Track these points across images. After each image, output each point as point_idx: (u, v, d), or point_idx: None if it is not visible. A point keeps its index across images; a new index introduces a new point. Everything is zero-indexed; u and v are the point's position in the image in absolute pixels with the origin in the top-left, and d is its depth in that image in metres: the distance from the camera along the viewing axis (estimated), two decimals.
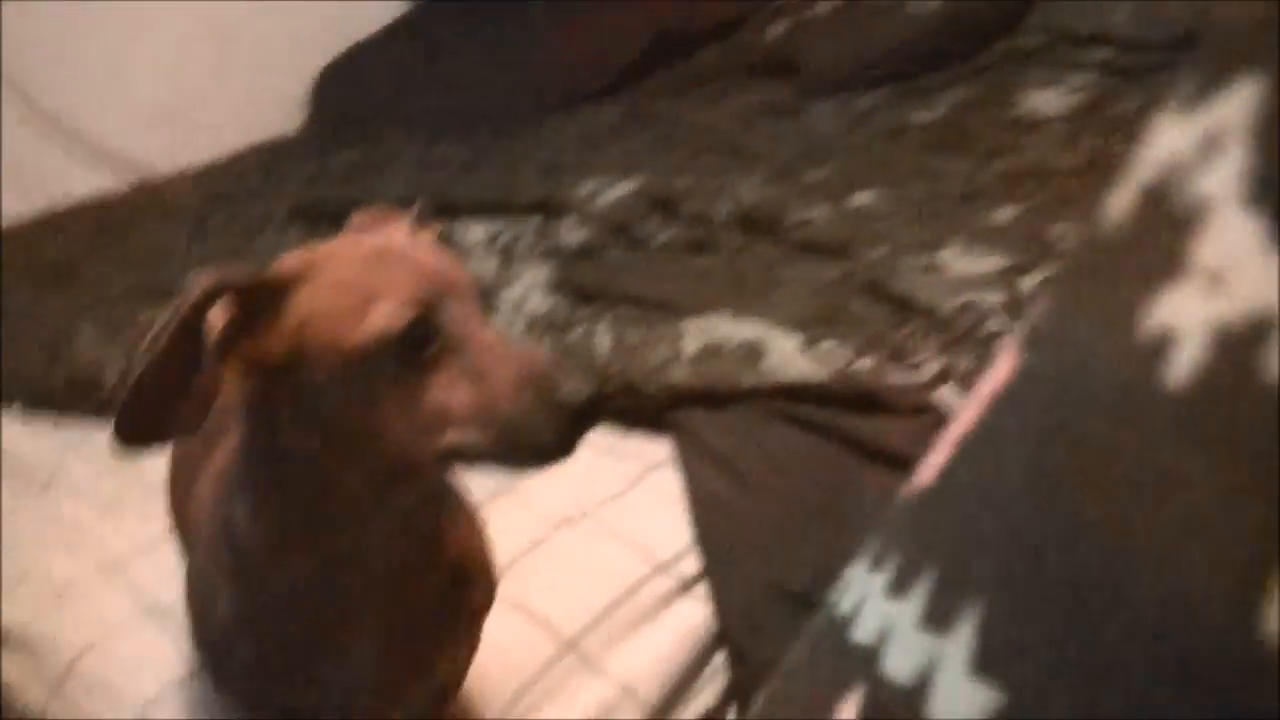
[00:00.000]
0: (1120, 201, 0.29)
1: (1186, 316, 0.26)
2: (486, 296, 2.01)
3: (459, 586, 1.11)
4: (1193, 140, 0.26)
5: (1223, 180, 0.25)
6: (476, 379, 0.89)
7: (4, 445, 1.95)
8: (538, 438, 0.89)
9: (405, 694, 1.12)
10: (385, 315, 0.88)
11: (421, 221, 1.06)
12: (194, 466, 1.19)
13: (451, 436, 0.90)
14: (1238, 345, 0.25)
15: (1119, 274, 0.28)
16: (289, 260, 0.94)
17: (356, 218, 1.07)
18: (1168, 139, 0.28)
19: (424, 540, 1.04)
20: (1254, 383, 0.25)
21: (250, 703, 1.17)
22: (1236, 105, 0.25)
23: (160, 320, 0.87)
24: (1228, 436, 0.25)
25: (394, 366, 0.89)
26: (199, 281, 0.88)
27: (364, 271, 0.91)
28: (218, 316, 0.88)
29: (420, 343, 0.89)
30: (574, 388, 0.88)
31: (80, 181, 3.16)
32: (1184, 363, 0.26)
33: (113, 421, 0.89)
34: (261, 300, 0.90)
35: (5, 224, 2.98)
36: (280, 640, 1.04)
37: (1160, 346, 0.27)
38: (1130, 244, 0.28)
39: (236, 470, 1.01)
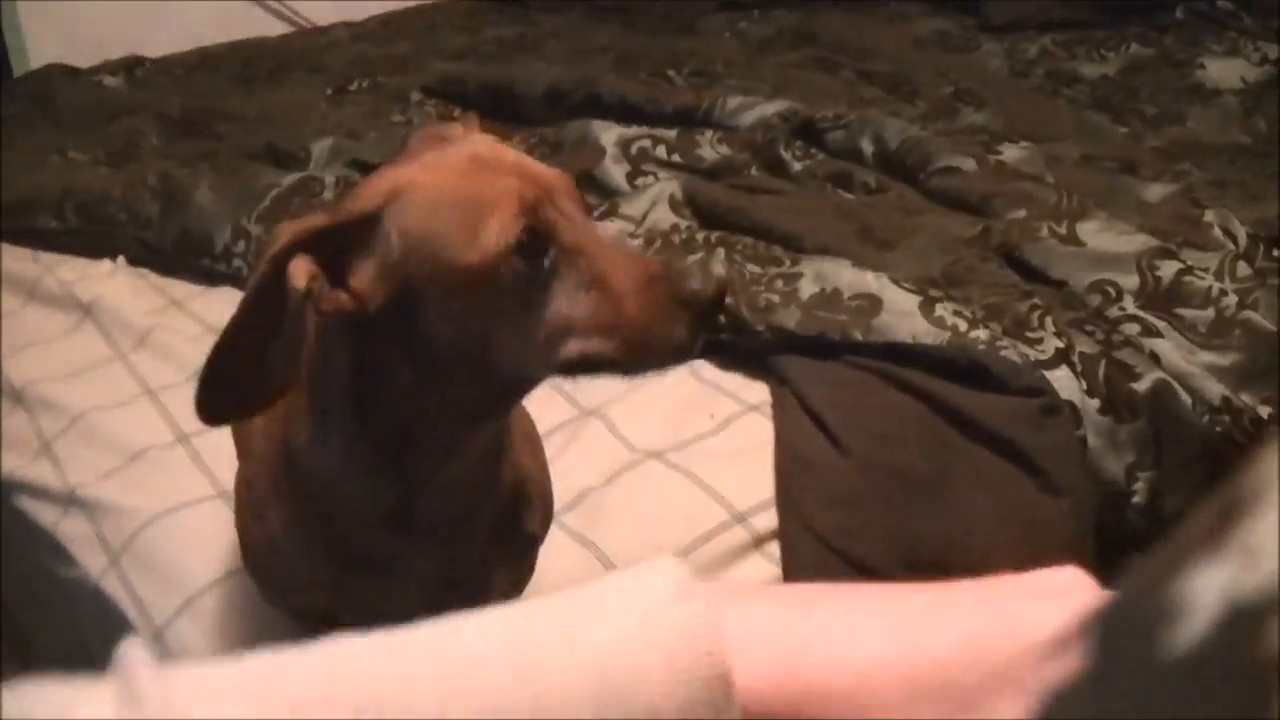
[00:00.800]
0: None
1: (1208, 585, 0.24)
2: (611, 203, 1.98)
3: (518, 510, 1.10)
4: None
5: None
6: (597, 284, 0.86)
7: (107, 298, 1.93)
8: (665, 339, 0.86)
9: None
10: (499, 230, 0.84)
11: (489, 132, 1.00)
12: None
13: (575, 346, 0.87)
14: (1248, 617, 0.24)
15: (1177, 548, 0.27)
16: (372, 185, 0.89)
17: (414, 139, 1.02)
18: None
19: (492, 463, 1.02)
20: (1254, 654, 0.24)
21: (296, 613, 1.18)
22: None
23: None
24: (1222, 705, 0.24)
25: (513, 281, 0.85)
26: (277, 234, 0.84)
27: (462, 185, 0.86)
28: (298, 271, 0.82)
29: (537, 252, 0.85)
30: (699, 285, 0.86)
31: (238, 26, 3.19)
32: (1193, 628, 0.25)
33: (195, 394, 0.85)
34: (349, 238, 0.85)
35: (151, 59, 3.01)
36: (340, 560, 1.02)
37: (1176, 611, 0.25)
38: (1196, 526, 0.27)
39: (310, 398, 0.96)
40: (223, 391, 0.86)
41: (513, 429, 1.07)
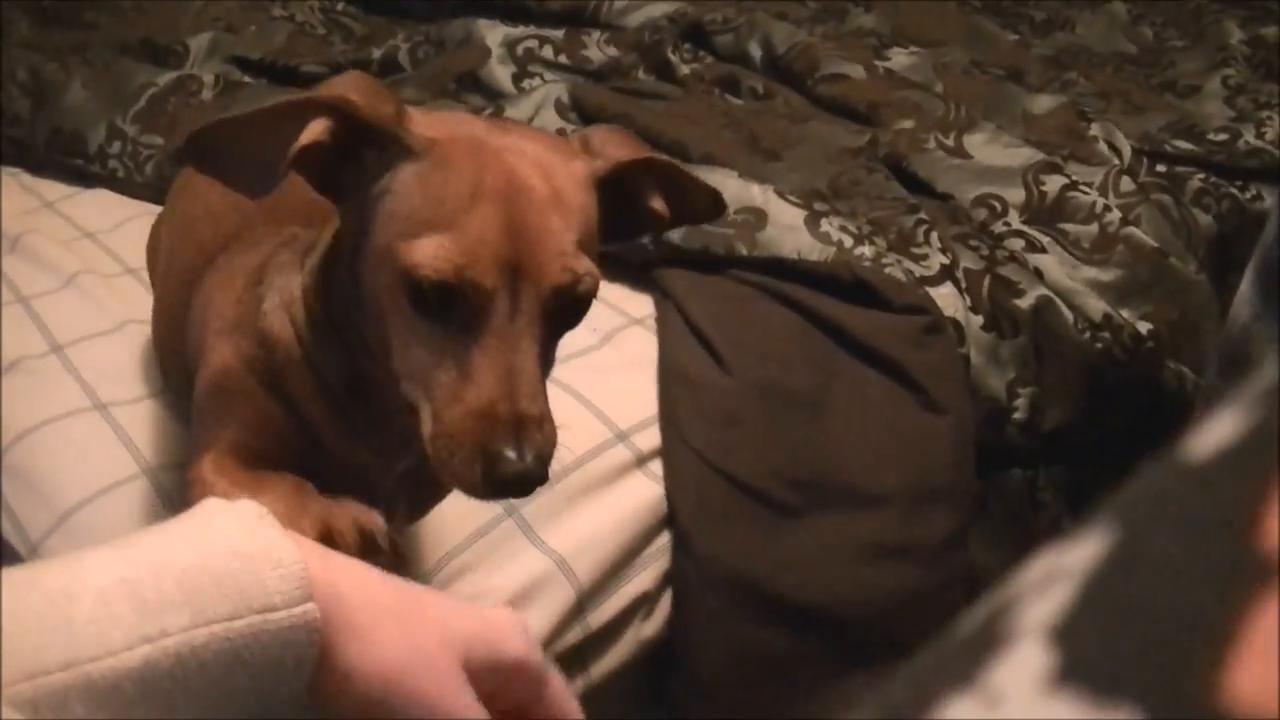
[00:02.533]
0: (976, 611, 0.26)
1: None
2: (497, 106, 1.93)
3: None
4: (1041, 572, 0.27)
5: (1041, 612, 0.25)
6: (463, 372, 0.82)
7: None
8: (453, 466, 0.82)
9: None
10: (428, 254, 0.81)
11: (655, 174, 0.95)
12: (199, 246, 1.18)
13: (414, 393, 0.85)
14: None
15: (933, 676, 0.26)
16: (448, 121, 0.89)
17: (585, 131, 0.98)
18: (1035, 567, 0.27)
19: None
20: None
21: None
22: (1086, 550, 0.25)
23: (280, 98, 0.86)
24: None
25: (408, 299, 0.83)
26: (332, 85, 0.87)
27: (456, 194, 0.82)
28: (317, 126, 0.84)
29: (443, 298, 0.81)
30: (510, 457, 0.80)
31: None
32: None
33: (193, 130, 0.86)
34: (370, 139, 0.85)
35: None
36: (297, 424, 1.02)
37: None
38: (959, 651, 0.26)
39: (292, 273, 0.99)
40: (217, 154, 0.88)
41: None
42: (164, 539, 0.60)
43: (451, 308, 0.82)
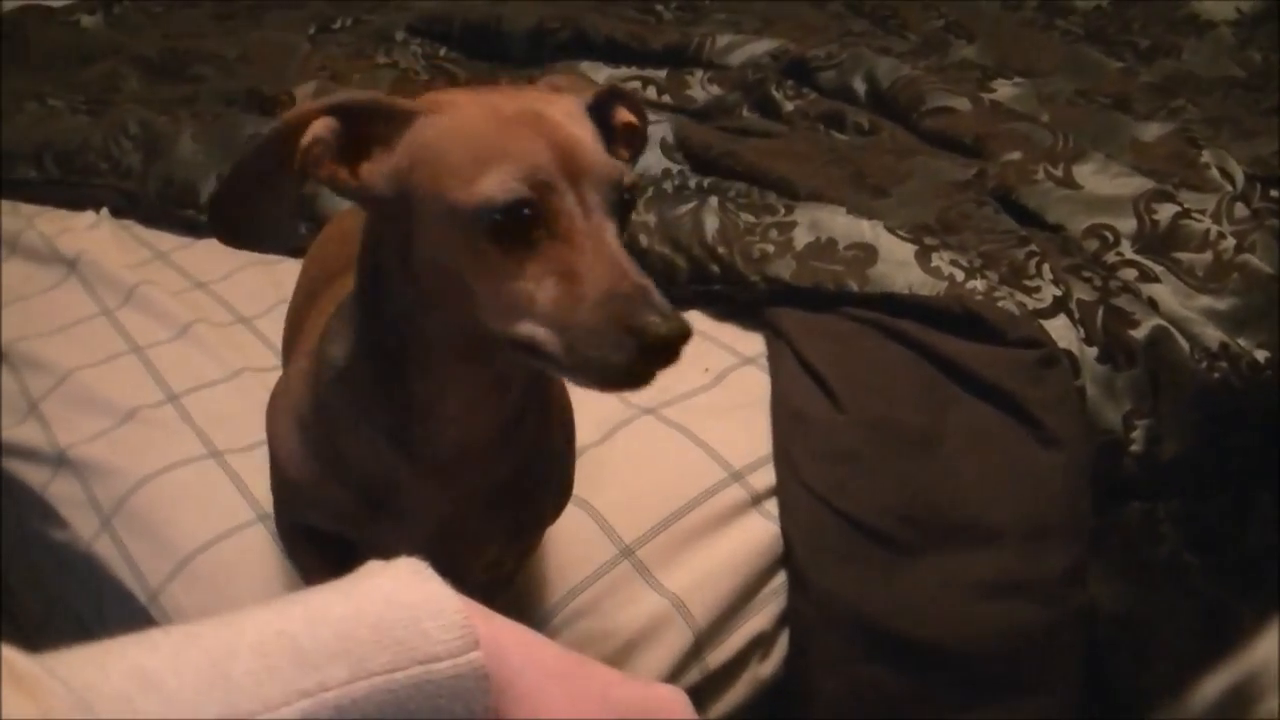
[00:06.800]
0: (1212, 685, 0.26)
1: None
2: None
3: (534, 485, 1.09)
4: None
5: None
6: (567, 278, 0.84)
7: (91, 252, 1.90)
8: (603, 359, 0.83)
9: (460, 564, 1.11)
10: (494, 184, 0.83)
11: (619, 100, 1.00)
12: (308, 304, 1.18)
13: (526, 328, 0.86)
14: None
15: None
16: (429, 94, 0.91)
17: (546, 80, 1.02)
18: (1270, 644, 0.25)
19: (503, 421, 1.01)
20: None
21: (312, 541, 1.16)
22: None
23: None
24: None
25: (490, 238, 0.84)
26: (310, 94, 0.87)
27: (490, 130, 0.86)
28: (315, 127, 0.86)
29: (523, 223, 0.84)
30: (655, 319, 0.81)
31: None
32: None
33: (209, 202, 0.92)
34: (376, 127, 0.87)
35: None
36: (347, 481, 1.03)
37: None
38: None
39: (343, 308, 1.00)
40: (232, 216, 0.91)
41: (550, 406, 1.08)
42: (322, 593, 0.60)
43: (531, 229, 0.84)
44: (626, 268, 0.84)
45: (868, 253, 1.58)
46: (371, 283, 0.95)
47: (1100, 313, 1.55)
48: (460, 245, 0.86)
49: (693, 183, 1.82)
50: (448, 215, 0.85)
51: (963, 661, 1.37)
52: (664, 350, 0.82)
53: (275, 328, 1.39)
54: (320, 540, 1.12)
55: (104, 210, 2.05)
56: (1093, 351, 1.52)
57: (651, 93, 2.13)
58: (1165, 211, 1.68)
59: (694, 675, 1.30)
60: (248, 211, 0.90)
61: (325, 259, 1.23)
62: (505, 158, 0.84)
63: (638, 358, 0.82)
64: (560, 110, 0.89)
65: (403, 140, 0.87)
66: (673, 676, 1.28)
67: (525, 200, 0.83)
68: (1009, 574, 1.39)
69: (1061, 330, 1.52)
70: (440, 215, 0.86)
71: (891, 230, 1.60)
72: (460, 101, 0.89)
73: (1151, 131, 1.92)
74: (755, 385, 1.52)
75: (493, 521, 1.08)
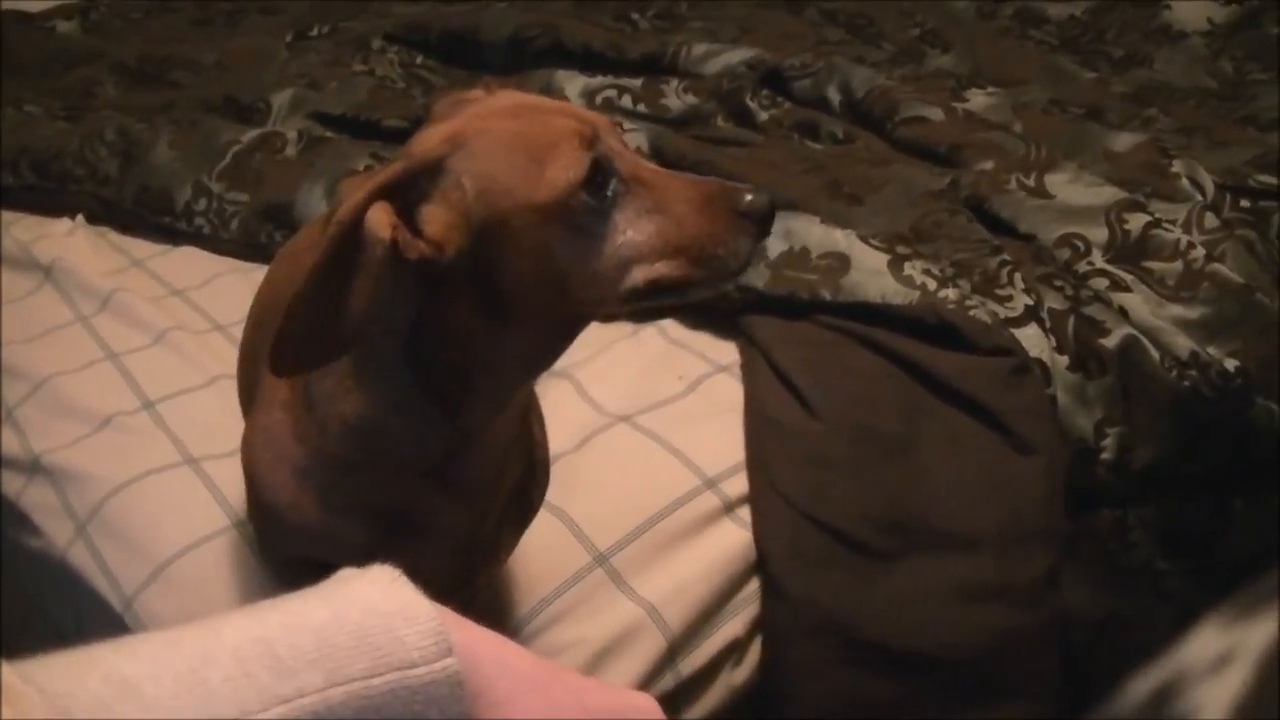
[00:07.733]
0: (1135, 687, 0.27)
1: None
2: None
3: (530, 475, 1.14)
4: (1211, 651, 0.26)
5: (1217, 697, 0.24)
6: (659, 209, 0.90)
7: (67, 259, 1.89)
8: (733, 251, 0.90)
9: (476, 575, 1.13)
10: (566, 165, 0.88)
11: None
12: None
13: (640, 273, 0.91)
14: None
15: None
16: (427, 137, 0.91)
17: (437, 105, 1.02)
18: (1200, 645, 0.26)
19: (521, 424, 1.07)
20: None
21: (301, 565, 1.16)
22: (1261, 631, 0.25)
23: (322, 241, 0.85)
24: None
25: (581, 215, 0.88)
26: (350, 188, 0.87)
27: (521, 128, 0.90)
28: (379, 221, 0.84)
29: (601, 184, 0.89)
30: (749, 197, 0.90)
31: None
32: None
33: (271, 349, 0.88)
34: (418, 189, 0.88)
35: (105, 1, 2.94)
36: (367, 515, 1.03)
37: None
38: None
39: (343, 369, 0.97)
40: (298, 343, 0.89)
41: (533, 402, 1.12)
42: (300, 600, 0.61)
43: (605, 189, 0.89)
44: (691, 174, 0.93)
45: (841, 262, 1.59)
46: (411, 344, 0.94)
47: (1071, 321, 1.56)
48: (559, 237, 0.89)
49: None
50: (538, 218, 0.88)
51: (940, 666, 1.38)
52: (770, 217, 0.92)
53: None
54: (317, 568, 1.13)
55: (80, 217, 2.04)
56: (1064, 360, 1.53)
57: (627, 101, 2.13)
58: (1136, 221, 1.69)
59: (668, 682, 1.31)
60: (323, 328, 0.87)
61: (277, 286, 1.21)
62: (555, 142, 0.88)
63: (757, 234, 0.91)
64: (539, 96, 0.96)
65: (446, 185, 0.88)
66: (646, 683, 1.28)
67: (594, 162, 0.88)
68: (987, 579, 1.40)
69: (1033, 339, 1.53)
70: (531, 224, 0.88)
71: (865, 239, 1.61)
72: (474, 125, 0.91)
73: (1124, 141, 1.94)
74: (729, 393, 1.53)
75: (504, 522, 1.12)
